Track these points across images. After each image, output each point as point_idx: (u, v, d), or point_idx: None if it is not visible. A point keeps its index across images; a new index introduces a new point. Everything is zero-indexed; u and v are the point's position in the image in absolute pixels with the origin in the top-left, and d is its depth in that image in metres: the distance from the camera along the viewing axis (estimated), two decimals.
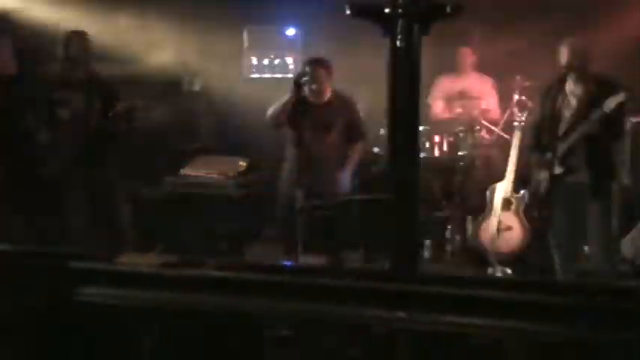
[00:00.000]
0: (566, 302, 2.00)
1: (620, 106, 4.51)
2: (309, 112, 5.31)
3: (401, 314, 1.97)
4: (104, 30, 5.60)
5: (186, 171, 6.15)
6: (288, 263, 4.75)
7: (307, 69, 5.28)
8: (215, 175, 6.04)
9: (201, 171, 6.10)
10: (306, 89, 5.23)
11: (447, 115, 6.86)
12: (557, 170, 4.73)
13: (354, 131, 5.46)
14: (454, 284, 2.08)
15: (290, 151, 5.39)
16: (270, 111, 5.31)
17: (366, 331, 2.00)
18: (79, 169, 5.10)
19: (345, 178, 5.41)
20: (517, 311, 2.00)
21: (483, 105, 6.77)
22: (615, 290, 2.12)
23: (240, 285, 2.09)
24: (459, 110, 6.80)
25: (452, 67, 6.94)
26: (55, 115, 5.07)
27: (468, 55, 6.91)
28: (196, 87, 5.23)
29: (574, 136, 4.66)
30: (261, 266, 2.23)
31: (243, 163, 6.17)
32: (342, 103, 5.42)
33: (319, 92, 5.31)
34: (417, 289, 2.01)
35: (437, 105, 6.93)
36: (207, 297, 2.09)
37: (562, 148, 4.70)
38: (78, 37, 5.13)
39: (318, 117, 5.32)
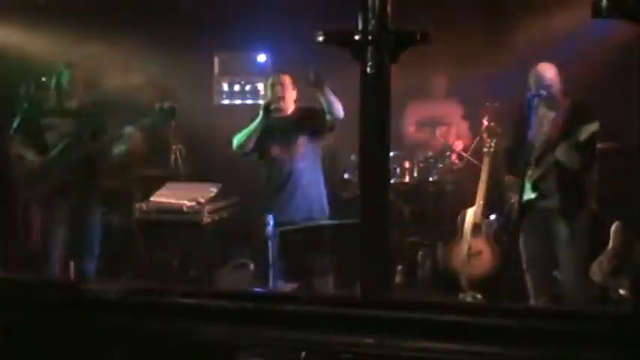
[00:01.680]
0: (536, 327, 2.00)
1: (594, 134, 4.54)
2: (274, 128, 5.18)
3: (369, 340, 1.96)
4: (71, 55, 5.60)
5: (156, 197, 6.10)
6: (257, 290, 4.71)
7: (271, 78, 5.25)
8: (186, 202, 5.99)
9: (171, 197, 6.05)
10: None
11: (418, 141, 6.91)
12: (530, 195, 4.74)
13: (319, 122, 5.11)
14: (425, 309, 2.07)
15: (263, 174, 5.28)
16: (237, 139, 5.20)
17: (335, 357, 1.98)
18: (66, 192, 5.17)
19: (323, 199, 5.26)
20: (488, 336, 1.99)
21: (454, 131, 6.82)
22: (585, 314, 2.13)
23: (209, 312, 2.07)
24: (430, 135, 6.86)
25: (424, 92, 7.00)
26: (44, 140, 5.16)
27: (441, 81, 6.98)
28: (166, 113, 5.25)
29: (546, 162, 4.69)
30: (229, 293, 2.21)
31: (213, 189, 6.13)
32: (305, 113, 5.21)
33: (284, 102, 5.17)
34: (387, 314, 2.00)
35: (408, 130, 6.97)
36: (173, 324, 2.06)
37: (534, 173, 4.73)
38: (71, 68, 5.25)
39: (283, 131, 5.18)
